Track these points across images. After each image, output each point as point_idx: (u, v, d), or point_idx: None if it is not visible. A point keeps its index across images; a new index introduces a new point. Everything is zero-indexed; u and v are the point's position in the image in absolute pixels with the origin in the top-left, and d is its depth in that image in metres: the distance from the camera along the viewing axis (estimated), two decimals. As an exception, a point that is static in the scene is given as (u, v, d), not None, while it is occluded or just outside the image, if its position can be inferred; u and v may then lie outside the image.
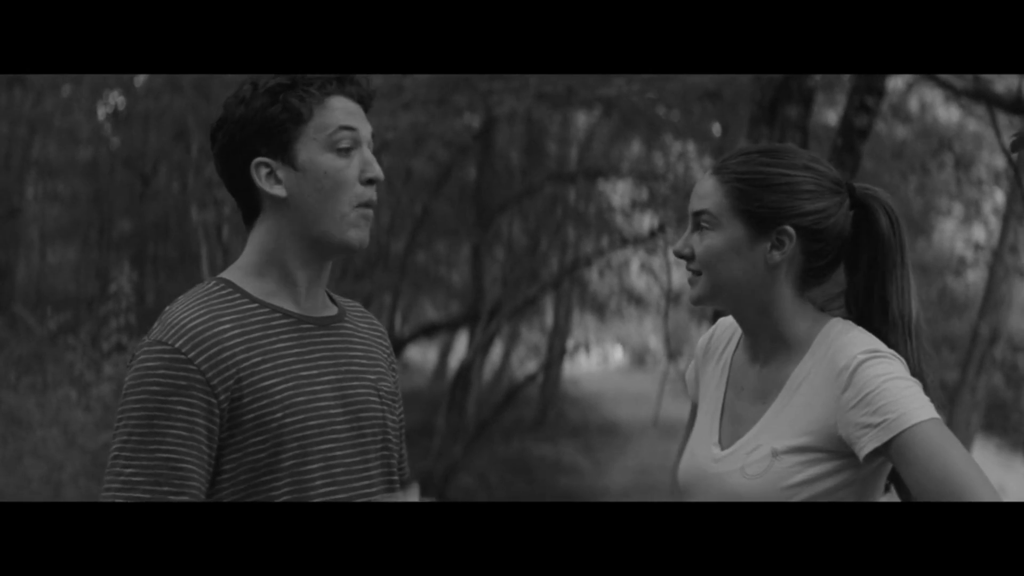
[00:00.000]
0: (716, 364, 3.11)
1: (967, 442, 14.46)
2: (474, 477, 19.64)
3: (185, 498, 2.61)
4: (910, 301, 2.87)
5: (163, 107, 19.29)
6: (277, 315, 2.78)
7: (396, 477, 2.96)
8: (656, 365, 39.45)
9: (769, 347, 2.92)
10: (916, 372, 2.78)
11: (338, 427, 2.78)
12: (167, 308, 2.76)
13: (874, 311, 2.87)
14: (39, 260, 22.25)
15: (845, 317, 2.92)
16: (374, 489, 2.85)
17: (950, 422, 10.38)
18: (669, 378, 23.34)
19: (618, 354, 49.17)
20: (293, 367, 2.74)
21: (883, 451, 2.66)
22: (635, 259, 23.50)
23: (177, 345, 2.64)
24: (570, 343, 28.95)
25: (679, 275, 23.92)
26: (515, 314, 22.10)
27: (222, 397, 2.65)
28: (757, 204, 2.81)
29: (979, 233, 19.27)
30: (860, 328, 2.83)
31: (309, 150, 2.76)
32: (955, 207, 19.56)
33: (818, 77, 9.35)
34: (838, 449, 2.74)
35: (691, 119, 15.97)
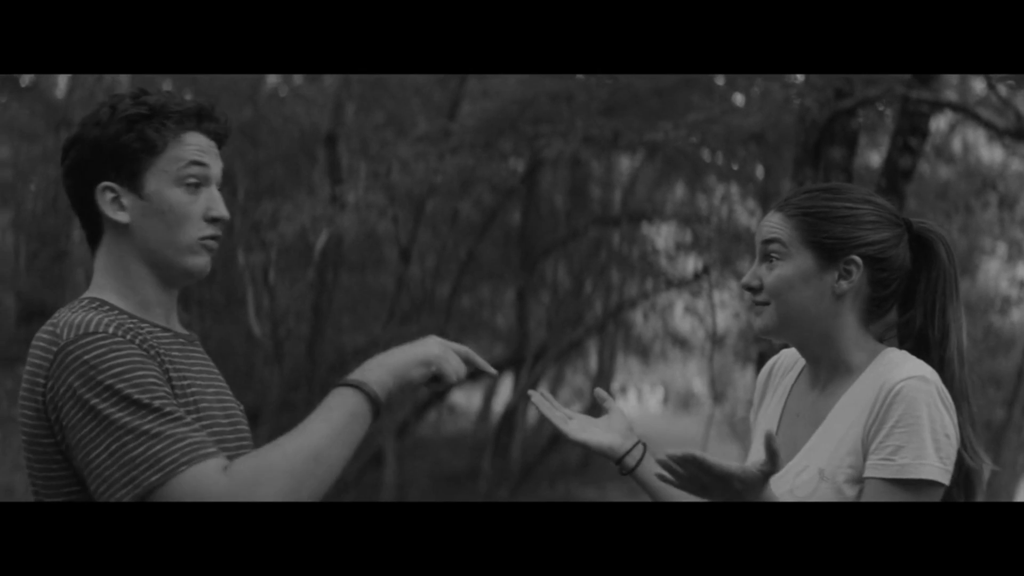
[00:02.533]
0: (775, 392, 3.17)
1: (1013, 482, 14.40)
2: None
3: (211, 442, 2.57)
4: (963, 333, 2.94)
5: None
6: (157, 329, 2.76)
7: None
8: (700, 408, 39.26)
9: (829, 375, 2.97)
10: (963, 399, 2.86)
11: (226, 436, 2.79)
12: (50, 323, 2.67)
13: (932, 342, 2.93)
14: (85, 303, 22.36)
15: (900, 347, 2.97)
16: None
17: (996, 460, 10.36)
18: (714, 421, 23.25)
19: (658, 398, 48.91)
20: (187, 375, 2.74)
21: (882, 482, 2.73)
22: (679, 302, 23.47)
23: (110, 331, 2.60)
24: (615, 386, 28.83)
25: (724, 317, 23.88)
26: (560, 357, 22.11)
27: (167, 366, 2.66)
28: (824, 235, 2.89)
29: (1023, 272, 19.19)
30: (915, 358, 2.87)
31: (158, 181, 2.76)
32: (999, 246, 19.48)
33: (861, 118, 9.40)
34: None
35: (734, 162, 15.98)
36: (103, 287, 2.80)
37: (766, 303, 2.94)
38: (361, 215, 12.75)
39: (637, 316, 24.26)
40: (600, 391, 3.46)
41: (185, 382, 2.71)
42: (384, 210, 13.25)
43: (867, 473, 2.75)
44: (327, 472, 2.55)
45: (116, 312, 2.71)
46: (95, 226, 2.81)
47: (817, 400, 2.99)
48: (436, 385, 2.79)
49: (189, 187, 2.77)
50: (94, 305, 2.72)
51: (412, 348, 2.71)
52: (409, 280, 18.36)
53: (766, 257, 2.95)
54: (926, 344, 2.94)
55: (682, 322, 26.04)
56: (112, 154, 2.74)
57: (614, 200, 22.21)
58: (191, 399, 2.70)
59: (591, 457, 25.62)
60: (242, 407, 2.97)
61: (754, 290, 2.96)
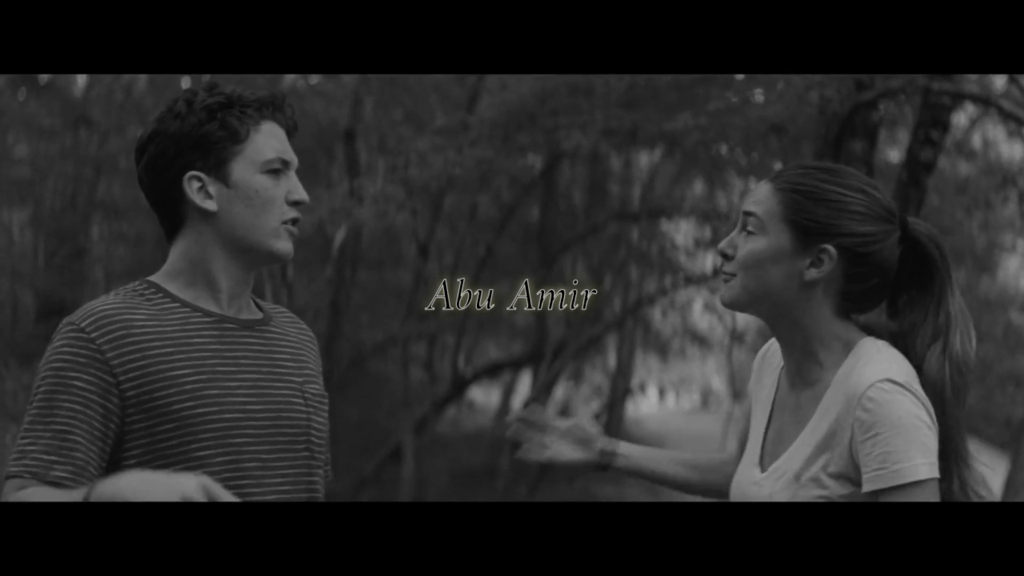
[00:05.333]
0: (766, 380, 3.12)
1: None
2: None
3: (68, 468, 2.67)
4: (959, 339, 2.84)
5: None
6: (197, 314, 2.86)
7: (318, 478, 3.00)
8: (719, 406, 39.26)
9: (803, 366, 2.91)
10: (956, 405, 2.80)
11: (256, 423, 2.83)
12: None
13: (919, 350, 2.85)
14: (105, 300, 22.43)
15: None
16: (292, 488, 2.90)
17: (1015, 459, 10.30)
18: (733, 419, 23.23)
19: (675, 398, 48.91)
20: (208, 361, 2.81)
21: (876, 494, 2.68)
22: (698, 298, 23.47)
23: (82, 325, 2.74)
24: (634, 383, 28.84)
25: (743, 315, 23.86)
26: (578, 354, 22.09)
27: (122, 379, 2.72)
28: (805, 216, 2.81)
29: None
30: (889, 351, 2.82)
31: (243, 169, 2.85)
32: (1020, 243, 19.44)
33: (882, 110, 9.36)
34: (849, 475, 2.76)
35: (754, 157, 15.94)
36: (167, 272, 2.93)
37: (732, 275, 2.88)
38: (379, 208, 12.73)
39: (656, 313, 24.26)
40: (529, 410, 3.45)
41: (178, 372, 2.77)
42: (403, 203, 13.22)
43: (865, 488, 2.69)
44: None
45: (156, 295, 2.87)
46: (175, 218, 2.90)
47: (800, 395, 2.93)
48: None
49: (271, 173, 2.88)
50: (138, 289, 2.88)
51: (167, 486, 2.49)
52: (427, 276, 18.34)
53: (744, 228, 2.89)
54: (914, 351, 2.85)
55: (701, 319, 26.06)
56: (196, 144, 2.83)
57: (633, 196, 22.18)
58: (186, 387, 2.76)
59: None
60: (322, 397, 3.04)
61: (728, 257, 2.90)
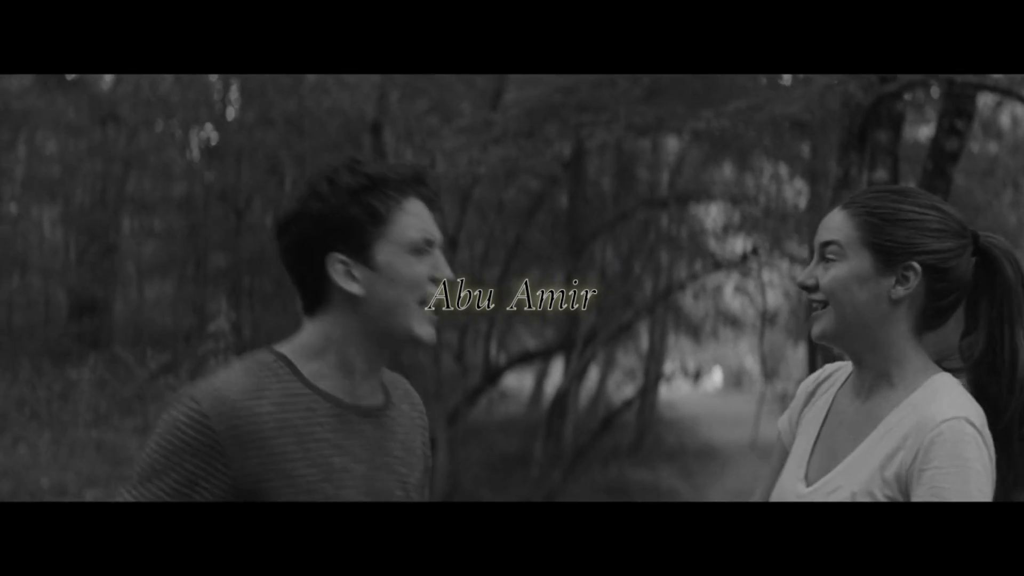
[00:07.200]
0: (819, 402, 3.10)
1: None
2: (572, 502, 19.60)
3: None
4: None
5: (256, 142, 19.51)
6: (324, 403, 2.81)
7: None
8: (752, 386, 39.22)
9: (873, 383, 2.91)
10: (1015, 427, 2.81)
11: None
12: (222, 369, 2.83)
13: (1000, 367, 2.85)
14: (137, 295, 22.54)
15: (958, 369, 2.91)
16: None
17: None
18: (766, 399, 23.21)
19: (716, 377, 48.90)
20: (325, 454, 2.78)
21: None
22: (729, 282, 23.45)
23: (205, 410, 2.68)
24: (667, 367, 28.83)
25: (774, 296, 23.83)
26: (610, 340, 22.09)
27: (237, 472, 2.69)
28: (885, 237, 2.83)
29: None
30: (963, 391, 2.82)
31: (387, 252, 2.80)
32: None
33: (908, 97, 9.33)
34: (897, 498, 2.75)
35: (781, 143, 15.92)
36: (302, 346, 2.86)
37: (823, 302, 2.88)
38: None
39: (687, 297, 24.26)
40: None
41: (295, 466, 2.74)
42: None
43: None
44: None
45: (288, 376, 2.80)
46: (320, 297, 2.84)
47: (860, 408, 2.93)
48: None
49: (417, 253, 2.82)
50: (272, 366, 2.81)
51: None
52: (457, 266, 18.35)
53: (823, 258, 2.90)
54: (993, 369, 2.86)
55: (732, 301, 26.04)
56: (338, 227, 2.78)
57: (661, 181, 22.19)
58: (302, 484, 2.74)
59: (643, 439, 25.71)
60: (420, 487, 3.02)
61: (810, 289, 2.91)
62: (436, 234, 2.86)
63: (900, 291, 2.83)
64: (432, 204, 2.89)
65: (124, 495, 2.70)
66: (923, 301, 2.86)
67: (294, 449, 2.74)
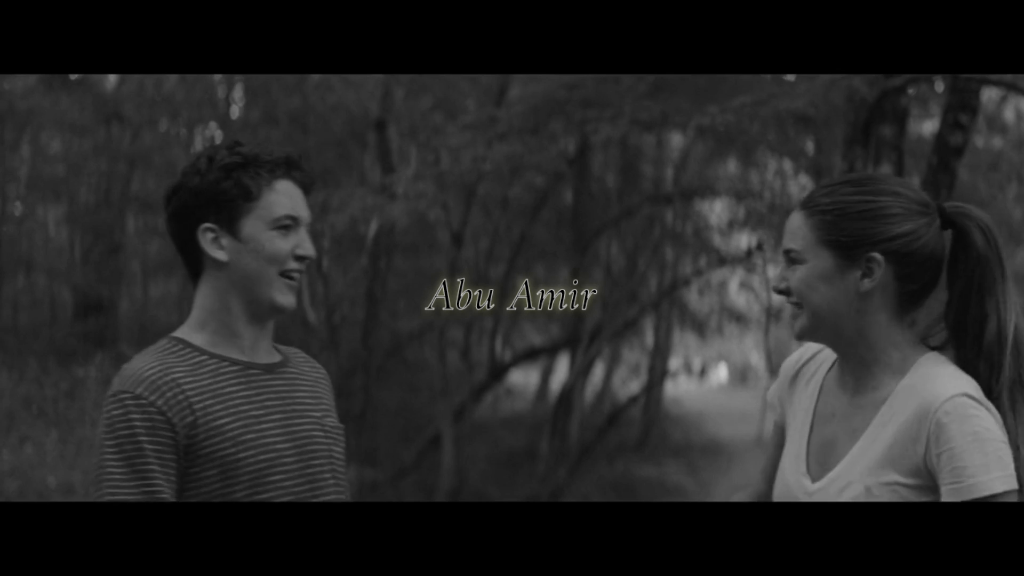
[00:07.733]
0: (806, 387, 3.11)
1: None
2: (579, 500, 19.57)
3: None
4: (1010, 316, 2.85)
5: (259, 140, 19.46)
6: (225, 363, 3.10)
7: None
8: (758, 382, 39.16)
9: (860, 373, 2.92)
10: (1018, 388, 2.81)
11: (286, 460, 3.06)
12: (124, 365, 3.06)
13: (970, 327, 2.86)
14: (142, 294, 22.54)
15: (943, 343, 2.92)
16: None
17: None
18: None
19: (722, 373, 48.84)
20: (242, 408, 3.05)
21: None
22: (734, 277, 23.42)
23: (139, 392, 2.94)
24: (673, 363, 28.77)
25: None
26: (615, 336, 22.06)
27: (181, 434, 2.94)
28: (841, 234, 2.84)
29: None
30: (954, 367, 2.83)
31: (253, 226, 3.09)
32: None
33: (912, 92, 9.32)
34: (928, 484, 2.75)
35: (785, 138, 15.90)
36: (192, 323, 3.18)
37: (799, 303, 2.90)
38: (411, 204, 12.76)
39: (692, 293, 24.21)
40: None
41: (219, 421, 3.00)
42: (434, 198, 13.26)
43: (943, 499, 2.70)
44: None
45: (185, 351, 3.09)
46: (197, 264, 3.15)
47: (852, 401, 2.94)
48: None
49: (282, 229, 3.11)
50: (168, 347, 3.10)
51: None
52: (463, 263, 18.34)
53: (790, 261, 2.92)
54: (963, 338, 2.88)
55: (737, 297, 26.00)
56: (212, 200, 3.08)
57: (666, 177, 22.14)
58: (228, 434, 3.00)
59: (648, 435, 25.68)
60: (339, 429, 3.29)
61: (784, 293, 2.93)
62: (303, 213, 3.15)
63: (867, 284, 2.85)
64: (305, 188, 3.17)
65: (113, 496, 2.89)
66: (895, 287, 2.87)
67: (213, 404, 3.00)
